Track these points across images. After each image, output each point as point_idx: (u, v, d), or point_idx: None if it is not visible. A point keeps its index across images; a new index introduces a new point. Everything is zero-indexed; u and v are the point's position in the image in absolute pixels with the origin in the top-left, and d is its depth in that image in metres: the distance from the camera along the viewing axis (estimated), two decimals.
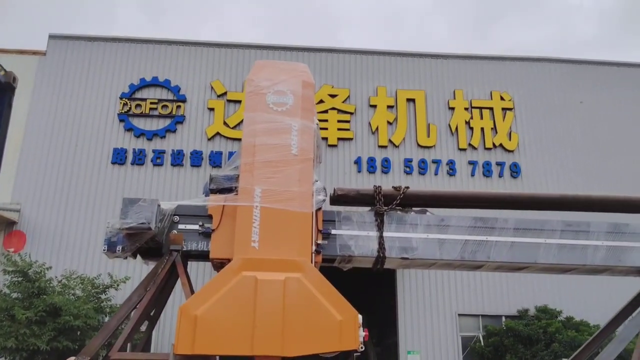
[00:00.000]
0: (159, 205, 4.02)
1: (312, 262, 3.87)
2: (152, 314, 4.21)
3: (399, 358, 16.15)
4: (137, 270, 14.44)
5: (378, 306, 18.37)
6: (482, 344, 16.27)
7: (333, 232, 4.34)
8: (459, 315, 16.80)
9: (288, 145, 4.09)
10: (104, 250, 4.05)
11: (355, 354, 3.92)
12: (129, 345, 3.89)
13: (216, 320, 3.43)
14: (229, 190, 4.20)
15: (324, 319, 3.52)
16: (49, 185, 16.66)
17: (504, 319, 16.67)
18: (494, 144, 18.46)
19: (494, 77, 19.37)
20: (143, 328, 4.08)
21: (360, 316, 3.61)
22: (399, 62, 19.24)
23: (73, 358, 5.98)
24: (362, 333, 3.61)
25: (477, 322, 16.93)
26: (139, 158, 17.23)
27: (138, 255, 4.20)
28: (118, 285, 13.78)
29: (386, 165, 17.77)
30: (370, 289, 18.51)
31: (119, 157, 17.17)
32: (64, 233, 16.15)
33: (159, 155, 17.34)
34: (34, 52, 17.79)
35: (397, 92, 18.71)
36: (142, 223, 3.83)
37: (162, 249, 4.11)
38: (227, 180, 4.23)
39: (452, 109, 18.78)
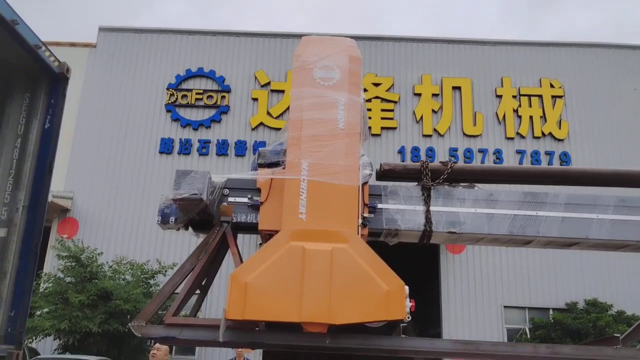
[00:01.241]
0: (210, 178, 4.11)
1: (358, 234, 3.89)
2: (203, 283, 4.32)
3: None
4: (185, 257, 14.78)
5: (421, 297, 18.25)
6: (529, 336, 15.96)
7: (379, 206, 4.33)
8: (505, 307, 16.53)
9: (335, 119, 4.10)
10: (158, 221, 4.17)
11: (401, 325, 3.92)
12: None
13: (265, 287, 3.49)
14: (276, 164, 4.26)
15: (371, 289, 3.53)
16: (100, 174, 17.21)
17: (551, 311, 16.30)
18: (542, 133, 18.01)
19: (543, 64, 18.86)
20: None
21: (406, 287, 3.62)
22: (444, 50, 18.97)
23: (158, 345, 6.14)
24: (408, 303, 3.61)
25: (524, 314, 16.61)
26: (185, 148, 17.61)
27: (190, 229, 4.31)
28: (166, 271, 14.15)
29: (430, 155, 17.58)
30: (413, 280, 18.38)
31: (166, 146, 17.59)
32: (114, 220, 16.68)
33: (204, 145, 17.67)
34: (85, 45, 18.38)
35: (443, 80, 18.47)
36: (194, 194, 3.92)
37: (212, 221, 4.20)
38: (275, 154, 4.28)
39: (500, 96, 18.40)
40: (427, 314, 17.58)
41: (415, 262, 15.01)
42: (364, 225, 4.09)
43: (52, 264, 15.01)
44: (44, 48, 5.43)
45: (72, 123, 17.34)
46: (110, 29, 18.95)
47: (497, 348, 4.30)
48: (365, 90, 17.90)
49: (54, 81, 5.73)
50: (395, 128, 18.02)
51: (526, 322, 16.46)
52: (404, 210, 4.33)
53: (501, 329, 16.31)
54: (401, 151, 17.65)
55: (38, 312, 12.95)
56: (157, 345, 5.61)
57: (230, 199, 4.24)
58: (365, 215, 4.18)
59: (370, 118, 17.55)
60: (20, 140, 5.62)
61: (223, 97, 18.23)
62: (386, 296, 3.54)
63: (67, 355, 12.48)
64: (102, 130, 17.71)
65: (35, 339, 13.19)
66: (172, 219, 4.17)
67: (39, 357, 12.50)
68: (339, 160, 4.01)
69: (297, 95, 4.26)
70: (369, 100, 17.84)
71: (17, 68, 5.66)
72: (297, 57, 4.41)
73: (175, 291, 4.04)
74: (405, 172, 4.68)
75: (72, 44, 18.34)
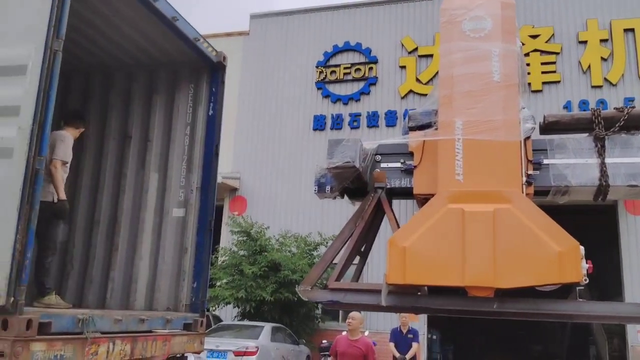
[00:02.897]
0: (361, 145, 4.12)
1: (523, 193, 3.63)
2: (362, 249, 4.37)
3: (626, 332, 14.60)
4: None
5: (598, 262, 16.75)
6: None
7: (545, 161, 4.00)
8: None
9: (489, 72, 3.85)
10: (315, 190, 4.29)
11: (578, 288, 3.61)
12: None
13: (424, 251, 3.42)
14: (428, 126, 4.13)
15: (540, 250, 3.28)
16: (261, 154, 18.27)
17: None
18: None
19: None
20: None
21: (582, 247, 3.30)
22: None
23: (353, 314, 6.39)
24: (585, 265, 3.30)
25: None
26: (337, 123, 17.95)
27: (345, 196, 4.38)
28: (327, 242, 14.67)
29: (603, 108, 15.89)
30: (589, 244, 16.94)
31: (319, 123, 18.08)
32: (277, 196, 17.61)
33: (355, 118, 17.85)
34: (240, 33, 19.47)
35: (612, 23, 16.52)
36: (347, 162, 3.97)
37: (366, 188, 4.22)
38: (426, 115, 4.16)
39: None
40: (605, 280, 16.13)
41: (590, 226, 13.80)
42: (528, 183, 3.83)
43: (226, 239, 16.33)
44: (202, 40, 5.83)
45: (234, 108, 18.56)
46: (261, 15, 19.84)
47: None
48: (522, 44, 16.69)
49: (214, 70, 6.17)
50: (558, 82, 16.57)
51: None
52: (574, 164, 3.96)
53: None
54: (567, 106, 16.20)
55: (218, 283, 14.24)
56: (352, 314, 5.82)
57: (383, 165, 4.22)
58: (530, 172, 3.90)
59: (529, 74, 16.33)
60: (189, 127, 6.14)
61: (370, 68, 18.20)
62: (559, 257, 3.28)
63: (246, 322, 13.59)
64: (260, 112, 18.73)
65: (218, 307, 14.53)
66: (327, 188, 4.27)
67: (221, 323, 13.76)
68: (496, 115, 3.77)
69: (446, 51, 4.07)
70: (527, 54, 16.58)
71: (181, 61, 6.16)
72: (444, 11, 4.20)
73: (336, 257, 4.13)
74: (574, 122, 4.26)
75: (228, 34, 19.53)
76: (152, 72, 6.32)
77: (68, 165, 4.97)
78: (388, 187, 4.14)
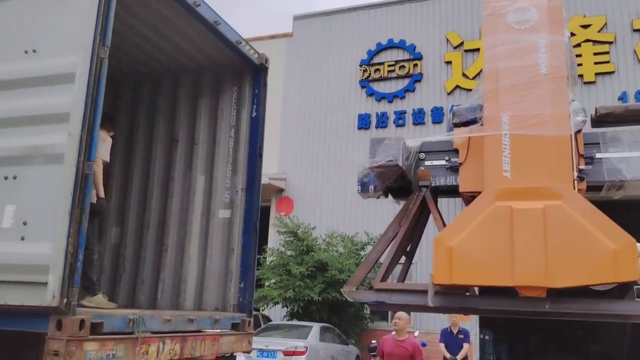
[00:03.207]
0: (404, 143, 4.06)
1: (574, 189, 3.49)
2: (408, 249, 4.31)
3: None
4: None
5: None
6: None
7: (598, 155, 3.83)
8: None
9: (536, 64, 3.71)
10: (358, 190, 4.26)
11: (636, 287, 3.44)
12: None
13: (471, 250, 3.33)
14: (473, 122, 4.03)
15: (594, 248, 3.14)
16: (307, 155, 18.33)
17: None
18: None
19: None
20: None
21: (638, 245, 3.13)
22: None
23: (399, 314, 6.33)
24: None
25: None
26: (382, 121, 17.82)
27: (390, 196, 4.32)
28: (374, 242, 14.55)
29: None
30: None
31: (363, 122, 18.00)
32: (323, 196, 17.63)
33: (400, 116, 17.68)
34: (283, 35, 19.60)
35: None
36: (389, 160, 3.91)
37: (411, 186, 4.15)
38: (471, 111, 4.05)
39: None
40: None
41: None
42: (580, 178, 3.67)
43: (274, 240, 16.47)
44: (244, 43, 5.89)
45: (278, 110, 18.71)
46: (303, 16, 19.91)
47: None
48: (572, 34, 16.15)
49: (256, 72, 6.22)
50: (612, 72, 15.93)
51: None
52: (629, 157, 3.77)
53: None
54: (622, 97, 15.54)
55: (266, 283, 14.37)
56: (398, 314, 5.76)
57: (427, 163, 4.15)
58: (582, 167, 3.74)
59: (580, 65, 15.76)
60: (233, 129, 6.21)
61: (415, 65, 17.99)
62: (613, 255, 3.13)
63: (294, 322, 13.65)
64: (305, 113, 18.80)
65: (267, 307, 14.67)
66: (371, 187, 4.22)
67: (270, 323, 13.88)
68: (544, 109, 3.63)
69: (491, 44, 3.95)
70: (578, 45, 16.02)
71: (224, 64, 6.24)
72: (487, 3, 4.09)
73: (381, 258, 4.08)
74: (627, 114, 4.06)
75: (272, 37, 19.70)
76: (197, 76, 6.43)
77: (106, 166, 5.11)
78: (433, 185, 4.06)
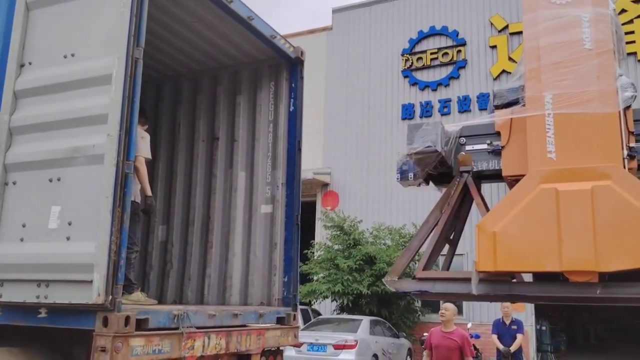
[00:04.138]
0: (442, 128, 3.94)
1: (625, 168, 3.29)
2: (451, 237, 4.18)
3: None
4: None
5: None
6: None
7: None
8: None
9: (579, 39, 3.52)
10: (397, 178, 4.17)
11: None
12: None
13: (516, 236, 3.20)
14: (514, 103, 3.86)
15: None
16: (350, 147, 18.23)
17: None
18: None
19: None
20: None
21: None
22: None
23: (446, 305, 6.18)
24: None
25: None
26: (426, 110, 17.53)
27: (431, 183, 4.21)
28: None
29: None
30: None
31: (407, 112, 17.75)
32: (368, 189, 17.50)
33: (445, 104, 17.35)
34: (323, 29, 19.54)
35: None
36: (428, 146, 3.80)
37: (452, 172, 4.03)
38: (512, 92, 3.88)
39: None
40: None
41: None
42: (631, 157, 3.46)
43: (320, 234, 16.47)
44: (278, 37, 5.87)
45: (321, 104, 18.68)
46: (343, 9, 19.79)
47: None
48: (623, 10, 15.41)
49: (292, 66, 6.20)
50: None
51: None
52: None
53: None
54: None
55: (315, 278, 14.39)
56: (445, 305, 5.63)
57: (468, 147, 4.01)
58: (632, 144, 3.52)
59: (633, 42, 15.03)
60: (272, 125, 6.22)
61: (459, 51, 17.59)
62: None
63: (344, 315, 13.64)
64: (347, 106, 18.69)
65: (316, 301, 14.70)
66: (410, 175, 4.12)
67: (320, 317, 13.91)
68: (589, 85, 3.44)
69: (531, 21, 3.78)
70: (630, 22, 15.29)
71: (261, 60, 6.24)
72: None
73: (423, 246, 3.97)
74: None
75: (311, 31, 19.67)
76: (235, 74, 6.47)
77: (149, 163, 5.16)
78: (475, 170, 3.93)
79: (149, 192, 4.85)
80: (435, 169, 4.01)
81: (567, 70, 3.50)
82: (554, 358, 16.81)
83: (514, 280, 3.67)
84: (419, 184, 4.24)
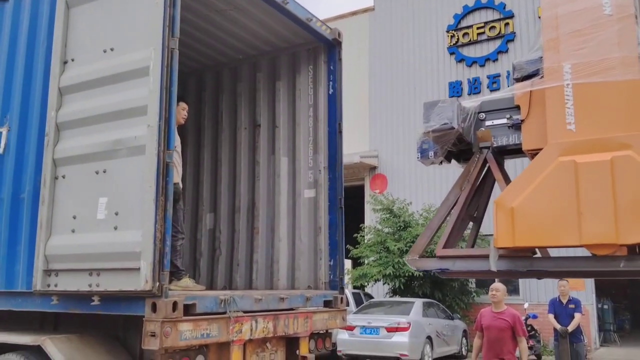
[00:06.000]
0: (459, 104, 3.93)
1: None
2: (475, 214, 4.20)
3: None
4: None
5: None
6: None
7: None
8: None
9: (598, 5, 3.43)
10: (418, 157, 4.20)
11: None
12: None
13: (534, 210, 3.19)
14: (534, 75, 3.81)
15: None
16: (397, 129, 18.02)
17: None
18: None
19: None
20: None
21: None
22: None
23: (496, 286, 6.06)
24: None
25: None
26: (474, 87, 17.17)
27: (453, 160, 4.21)
28: None
29: None
30: None
31: (455, 90, 17.42)
32: (417, 170, 17.24)
33: (494, 80, 16.93)
34: (365, 10, 19.37)
35: None
36: (444, 124, 3.81)
37: (472, 149, 4.03)
38: (531, 64, 3.83)
39: None
40: None
41: None
42: None
43: (370, 218, 16.50)
44: (314, 20, 5.91)
45: (365, 87, 18.59)
46: None
47: None
48: None
49: (330, 48, 6.23)
50: None
51: None
52: None
53: None
54: None
55: (366, 261, 14.48)
56: (496, 285, 5.61)
57: (488, 123, 3.98)
58: None
59: None
60: (312, 109, 6.30)
61: (507, 24, 17.08)
62: None
63: (397, 298, 13.69)
64: (392, 87, 18.50)
65: (368, 284, 14.80)
66: (430, 153, 4.13)
67: (372, 300, 14.02)
68: (610, 53, 3.37)
69: None
70: None
71: (298, 44, 6.33)
72: None
73: (445, 223, 4.00)
74: None
75: (353, 13, 19.55)
76: (273, 59, 6.57)
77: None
78: (495, 145, 3.91)
79: (177, 179, 4.89)
80: (454, 146, 4.01)
81: (586, 38, 3.42)
82: (618, 337, 16.30)
83: (535, 256, 3.66)
84: (441, 162, 4.25)
